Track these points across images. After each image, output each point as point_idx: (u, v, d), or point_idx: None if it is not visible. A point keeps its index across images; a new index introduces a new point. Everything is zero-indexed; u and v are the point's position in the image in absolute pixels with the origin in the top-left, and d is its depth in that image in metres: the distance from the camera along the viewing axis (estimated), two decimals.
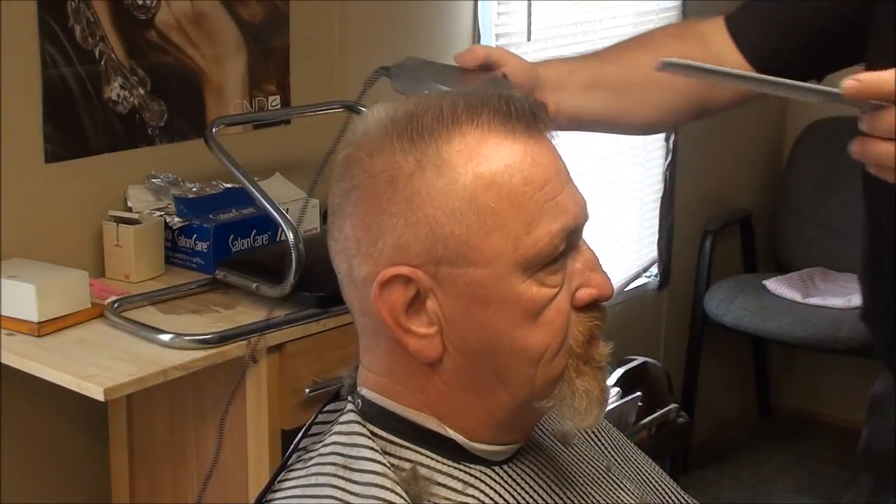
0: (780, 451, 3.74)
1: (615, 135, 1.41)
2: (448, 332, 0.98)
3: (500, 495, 1.01)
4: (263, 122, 2.34)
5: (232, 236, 2.08)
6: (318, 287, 1.88)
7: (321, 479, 1.00)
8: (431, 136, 0.97)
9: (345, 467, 0.99)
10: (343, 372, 1.09)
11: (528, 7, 2.82)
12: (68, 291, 1.84)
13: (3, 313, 1.81)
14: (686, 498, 1.23)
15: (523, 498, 1.03)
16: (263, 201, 1.92)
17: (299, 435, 1.09)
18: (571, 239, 1.00)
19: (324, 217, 2.19)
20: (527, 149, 0.98)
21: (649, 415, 3.07)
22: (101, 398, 1.65)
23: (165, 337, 1.77)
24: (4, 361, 1.78)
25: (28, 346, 1.78)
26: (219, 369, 1.81)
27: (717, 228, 3.59)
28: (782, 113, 3.79)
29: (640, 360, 3.12)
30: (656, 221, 3.41)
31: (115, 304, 1.88)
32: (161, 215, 2.08)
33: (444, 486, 0.99)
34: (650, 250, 3.44)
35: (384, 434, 1.01)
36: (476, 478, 1.01)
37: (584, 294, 1.00)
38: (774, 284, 3.47)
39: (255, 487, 1.85)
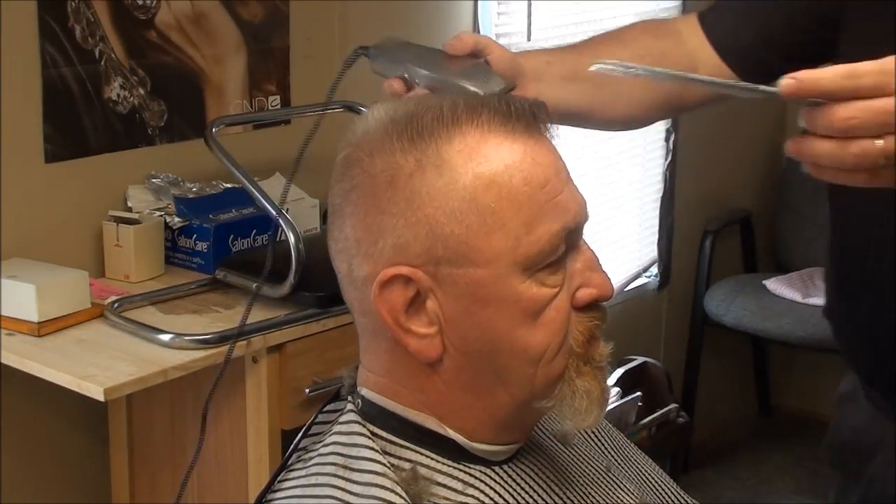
0: (780, 451, 3.74)
1: (595, 130, 1.39)
2: (448, 332, 0.98)
3: (500, 495, 1.01)
4: (263, 122, 2.34)
5: (232, 236, 2.08)
6: (318, 287, 1.88)
7: (321, 479, 1.00)
8: (431, 136, 0.97)
9: (345, 467, 0.99)
10: (343, 372, 1.09)
11: (528, 7, 2.82)
12: (68, 291, 1.84)
13: (3, 313, 1.81)
14: (686, 498, 1.23)
15: (523, 498, 1.03)
16: (263, 201, 1.92)
17: (299, 435, 1.09)
18: (571, 239, 1.00)
19: (324, 217, 2.19)
20: (527, 149, 0.98)
21: (649, 415, 3.07)
22: (101, 398, 1.65)
23: (165, 337, 1.77)
24: (4, 361, 1.78)
25: (28, 346, 1.78)
26: (219, 369, 1.81)
27: (717, 228, 3.59)
28: (782, 113, 3.79)
29: (640, 360, 3.12)
30: (656, 221, 3.41)
31: (115, 304, 1.89)
32: (161, 215, 2.08)
33: (444, 486, 0.99)
34: (650, 250, 3.44)
35: (384, 434, 1.01)
36: (476, 478, 1.01)
37: (585, 294, 1.00)
38: (774, 284, 3.47)
39: (255, 487, 1.85)
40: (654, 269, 3.45)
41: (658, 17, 3.24)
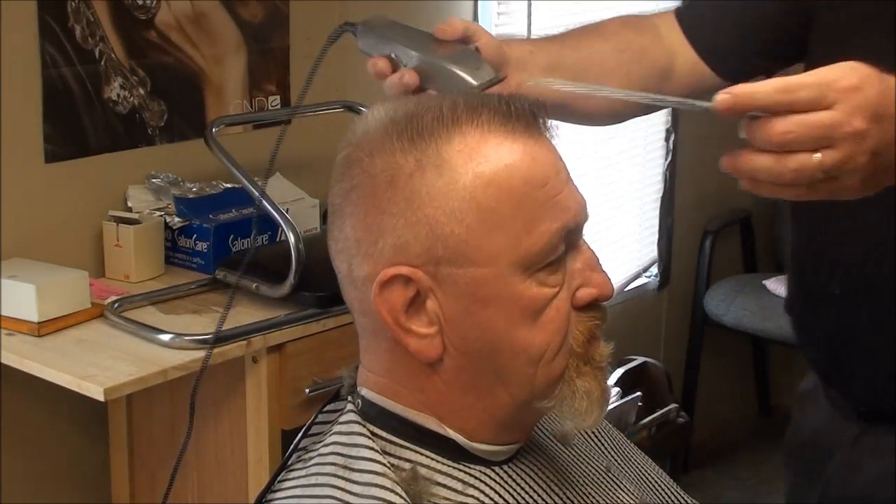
0: (779, 451, 3.72)
1: (576, 123, 1.39)
2: (448, 331, 0.98)
3: (500, 495, 1.01)
4: (263, 122, 2.34)
5: (232, 236, 2.08)
6: (318, 287, 1.88)
7: (321, 479, 1.00)
8: (431, 136, 0.97)
9: (345, 467, 0.99)
10: (343, 372, 1.09)
11: (528, 7, 2.82)
12: (68, 291, 1.84)
13: (3, 313, 1.81)
14: (686, 498, 1.23)
15: (523, 498, 1.03)
16: (263, 201, 1.92)
17: (299, 435, 1.09)
18: (571, 238, 1.00)
19: (324, 217, 2.19)
20: (527, 148, 0.98)
21: (649, 415, 3.07)
22: (101, 398, 1.65)
23: (165, 337, 1.77)
24: (4, 361, 1.78)
25: (28, 346, 1.78)
26: (219, 369, 1.81)
27: (717, 228, 3.59)
28: None
29: (640, 360, 3.12)
30: (656, 221, 3.41)
31: (115, 304, 1.89)
32: (161, 215, 2.08)
33: (444, 486, 0.99)
34: (650, 250, 3.44)
35: (384, 434, 1.01)
36: (476, 478, 1.01)
37: (585, 294, 1.00)
38: (774, 284, 3.47)
39: (255, 487, 1.85)
40: (654, 269, 3.45)
41: None
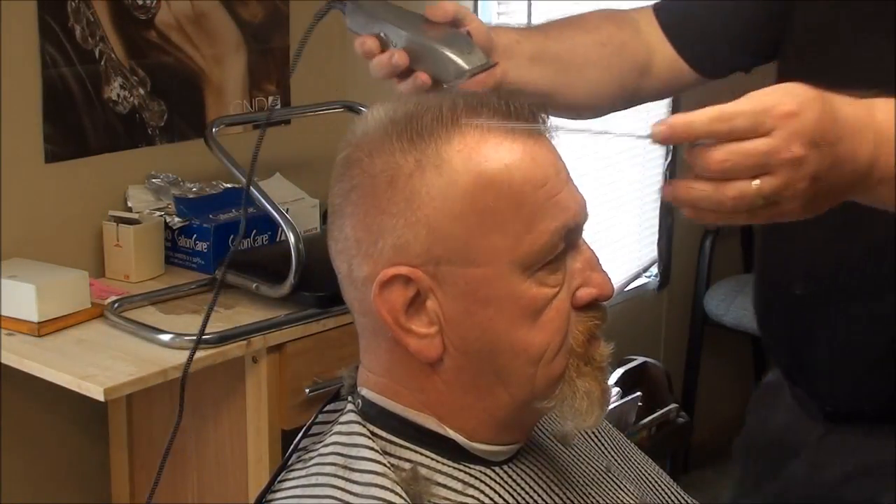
0: None
1: (560, 116, 1.39)
2: (448, 331, 0.98)
3: (500, 495, 1.01)
4: (266, 122, 2.34)
5: (232, 236, 2.08)
6: (318, 287, 1.88)
7: (321, 479, 1.00)
8: (431, 137, 0.97)
9: (345, 467, 0.99)
10: (343, 372, 1.09)
11: (528, 7, 2.82)
12: (68, 291, 1.84)
13: (3, 313, 1.81)
14: (686, 498, 1.23)
15: (523, 498, 1.03)
16: (263, 201, 1.92)
17: (299, 435, 1.09)
18: (571, 238, 1.00)
19: (324, 217, 2.19)
20: (526, 148, 0.98)
21: (649, 415, 3.07)
22: (101, 398, 1.65)
23: (165, 337, 1.77)
24: (4, 361, 1.78)
25: (28, 346, 1.78)
26: (219, 369, 1.81)
27: (717, 228, 3.59)
28: None
29: (640, 360, 3.12)
30: (656, 221, 3.41)
31: (115, 304, 1.89)
32: (161, 215, 2.08)
33: (444, 486, 0.99)
34: (650, 250, 3.44)
35: (384, 434, 1.01)
36: (476, 478, 1.01)
37: (585, 293, 1.00)
38: None
39: (255, 487, 1.85)
40: (654, 269, 3.45)
41: None
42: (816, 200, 0.96)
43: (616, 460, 1.19)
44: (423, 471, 0.99)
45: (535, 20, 2.84)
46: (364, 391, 1.04)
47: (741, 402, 4.15)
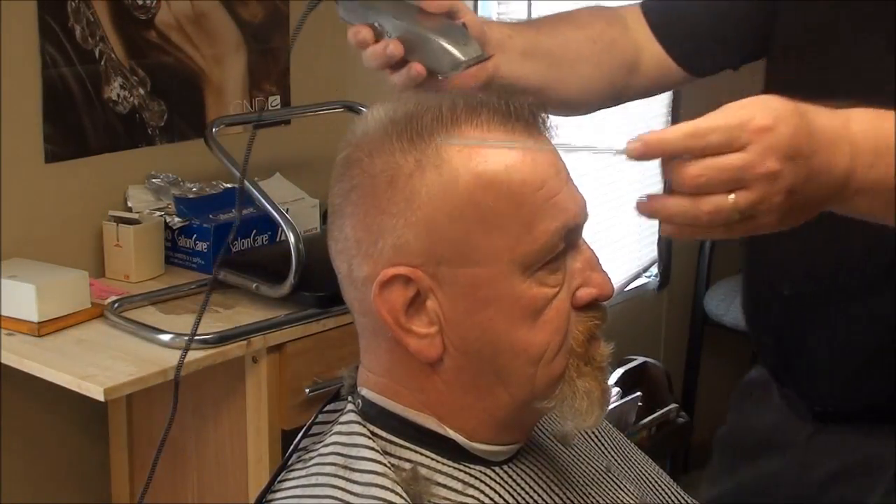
0: None
1: (551, 112, 1.38)
2: (448, 331, 0.98)
3: (500, 495, 1.01)
4: (263, 122, 2.34)
5: (230, 236, 2.07)
6: (318, 287, 1.88)
7: (321, 479, 1.00)
8: (431, 136, 0.97)
9: (345, 467, 0.99)
10: (343, 372, 1.09)
11: (528, 7, 2.82)
12: (68, 291, 1.84)
13: (3, 313, 1.81)
14: (686, 498, 1.23)
15: (523, 498, 1.03)
16: (263, 201, 1.92)
17: (299, 435, 1.09)
18: (571, 238, 1.00)
19: (324, 217, 2.19)
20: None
21: (649, 415, 3.07)
22: (101, 398, 1.65)
23: (165, 337, 1.77)
24: (4, 361, 1.78)
25: (28, 346, 1.78)
26: (219, 369, 1.81)
27: None
28: None
29: (640, 360, 3.12)
30: (656, 221, 3.40)
31: (115, 304, 1.89)
32: (161, 215, 2.08)
33: (444, 486, 0.99)
34: (650, 250, 3.44)
35: (384, 434, 1.01)
36: (476, 478, 1.01)
37: (585, 293, 1.00)
38: None
39: (255, 487, 1.85)
40: (654, 269, 3.45)
41: None
42: (793, 213, 0.97)
43: (616, 460, 1.19)
44: (423, 471, 0.99)
45: None
46: (364, 391, 1.04)
47: None
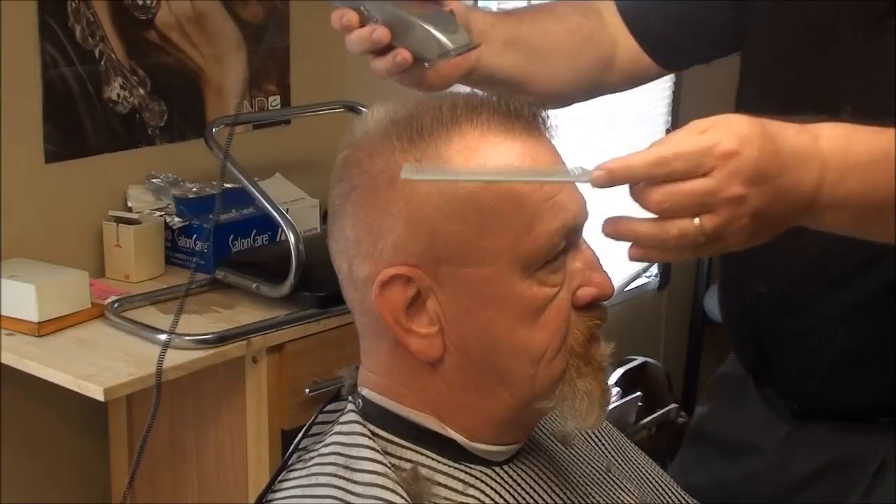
0: None
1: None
2: (449, 331, 0.98)
3: (501, 495, 1.01)
4: (263, 122, 2.34)
5: (232, 236, 2.08)
6: (318, 287, 1.88)
7: (322, 479, 1.00)
8: (431, 137, 0.97)
9: (345, 467, 0.99)
10: (343, 372, 1.09)
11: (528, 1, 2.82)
12: (68, 291, 1.84)
13: (3, 313, 1.81)
14: (686, 498, 1.23)
15: (523, 498, 1.03)
16: (263, 201, 1.92)
17: (300, 435, 1.09)
18: (571, 238, 1.00)
19: (324, 217, 2.19)
20: (526, 148, 0.98)
21: (649, 415, 3.07)
22: (101, 398, 1.65)
23: (165, 337, 1.77)
24: (4, 361, 1.78)
25: (28, 346, 1.78)
26: (219, 369, 1.81)
27: None
28: None
29: (640, 360, 3.12)
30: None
31: (115, 304, 1.89)
32: (161, 215, 2.08)
33: (445, 486, 0.99)
34: None
35: (385, 434, 1.01)
36: (476, 478, 1.01)
37: (585, 293, 1.00)
38: None
39: (255, 487, 1.85)
40: (654, 269, 3.45)
41: None
42: (760, 232, 0.97)
43: (616, 460, 1.19)
44: (424, 471, 0.99)
45: None
46: (364, 391, 1.04)
47: None
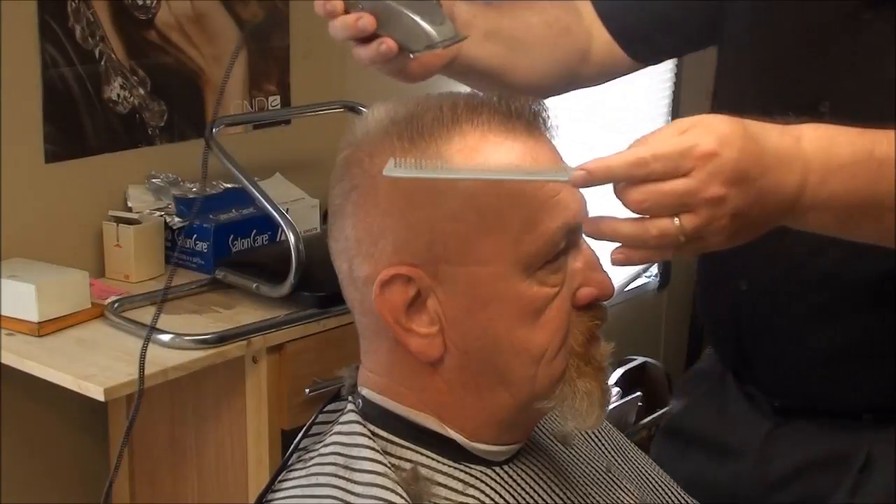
0: None
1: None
2: (449, 331, 0.98)
3: (501, 495, 1.01)
4: (263, 122, 2.35)
5: (232, 236, 2.08)
6: (318, 287, 1.88)
7: (322, 479, 1.00)
8: (431, 137, 0.97)
9: (345, 467, 0.99)
10: (343, 372, 1.09)
11: None
12: (68, 291, 1.84)
13: (3, 313, 1.81)
14: (686, 498, 1.23)
15: (523, 498, 1.03)
16: (263, 201, 1.92)
17: (300, 435, 1.09)
18: (571, 238, 1.00)
19: (324, 217, 2.19)
20: (527, 148, 0.98)
21: (649, 415, 3.07)
22: (101, 398, 1.65)
23: (165, 337, 1.77)
24: (4, 361, 1.78)
25: (28, 346, 1.78)
26: (219, 369, 1.81)
27: None
28: None
29: (640, 360, 3.12)
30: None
31: (115, 304, 1.89)
32: (161, 215, 2.08)
33: (445, 486, 0.99)
34: None
35: (385, 434, 1.01)
36: (476, 478, 1.01)
37: (585, 293, 1.00)
38: None
39: (255, 487, 1.85)
40: (654, 269, 3.45)
41: None
42: (741, 233, 0.97)
43: (616, 460, 1.19)
44: (424, 471, 0.99)
45: None
46: (364, 391, 1.04)
47: None
